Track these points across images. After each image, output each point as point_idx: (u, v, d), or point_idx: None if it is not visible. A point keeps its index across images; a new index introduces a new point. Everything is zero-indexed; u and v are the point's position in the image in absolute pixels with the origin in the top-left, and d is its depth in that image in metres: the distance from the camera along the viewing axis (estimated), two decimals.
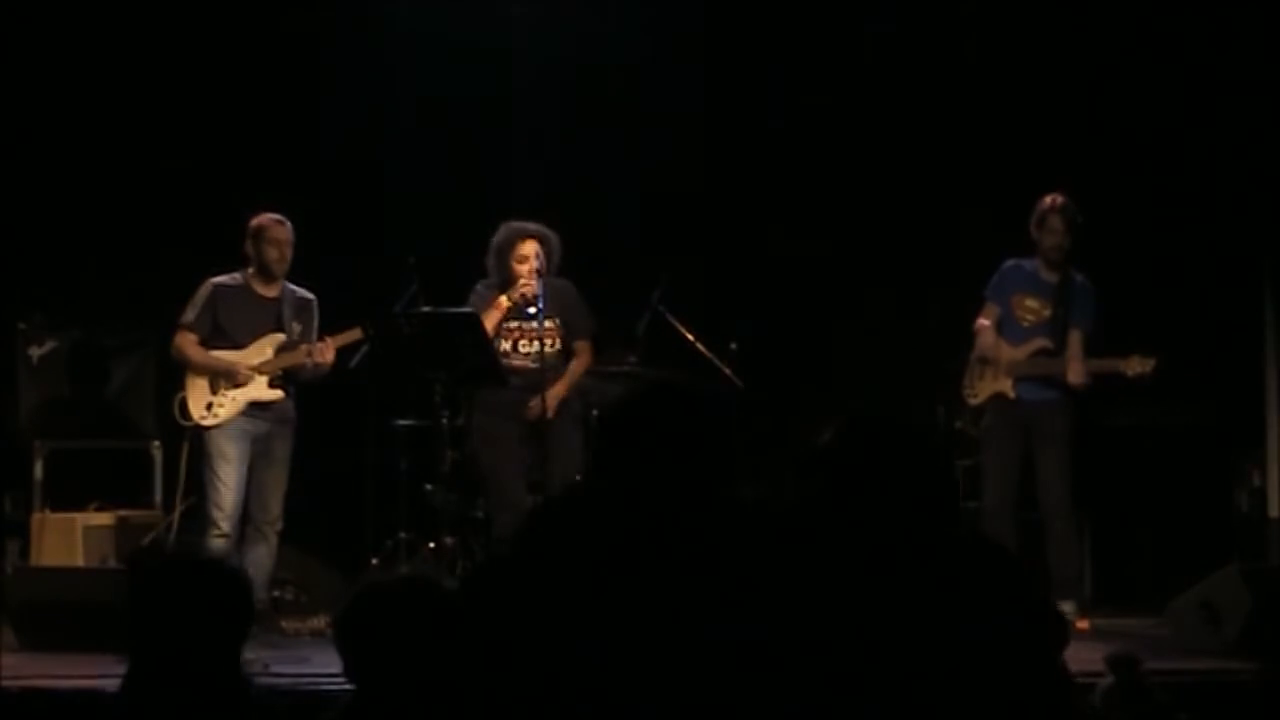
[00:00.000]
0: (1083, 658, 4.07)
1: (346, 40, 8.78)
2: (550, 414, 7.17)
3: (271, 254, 7.19)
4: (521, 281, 7.13)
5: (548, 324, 7.24)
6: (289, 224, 7.22)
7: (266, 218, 7.21)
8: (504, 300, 7.16)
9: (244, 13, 8.62)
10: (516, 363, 7.25)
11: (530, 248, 7.15)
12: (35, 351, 8.16)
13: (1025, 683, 2.71)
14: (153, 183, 8.52)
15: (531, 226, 7.21)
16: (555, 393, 7.21)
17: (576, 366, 7.35)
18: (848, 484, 2.92)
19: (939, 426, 7.96)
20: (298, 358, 7.21)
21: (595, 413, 7.77)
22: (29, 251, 8.37)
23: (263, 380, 7.21)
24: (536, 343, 7.25)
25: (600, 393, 7.93)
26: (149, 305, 7.89)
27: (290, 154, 8.51)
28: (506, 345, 7.25)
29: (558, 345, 7.30)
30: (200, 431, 7.16)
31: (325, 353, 7.19)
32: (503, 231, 7.23)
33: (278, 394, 7.22)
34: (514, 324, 7.21)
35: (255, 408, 7.18)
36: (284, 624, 7.18)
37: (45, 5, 8.52)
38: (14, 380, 8.12)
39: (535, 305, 7.11)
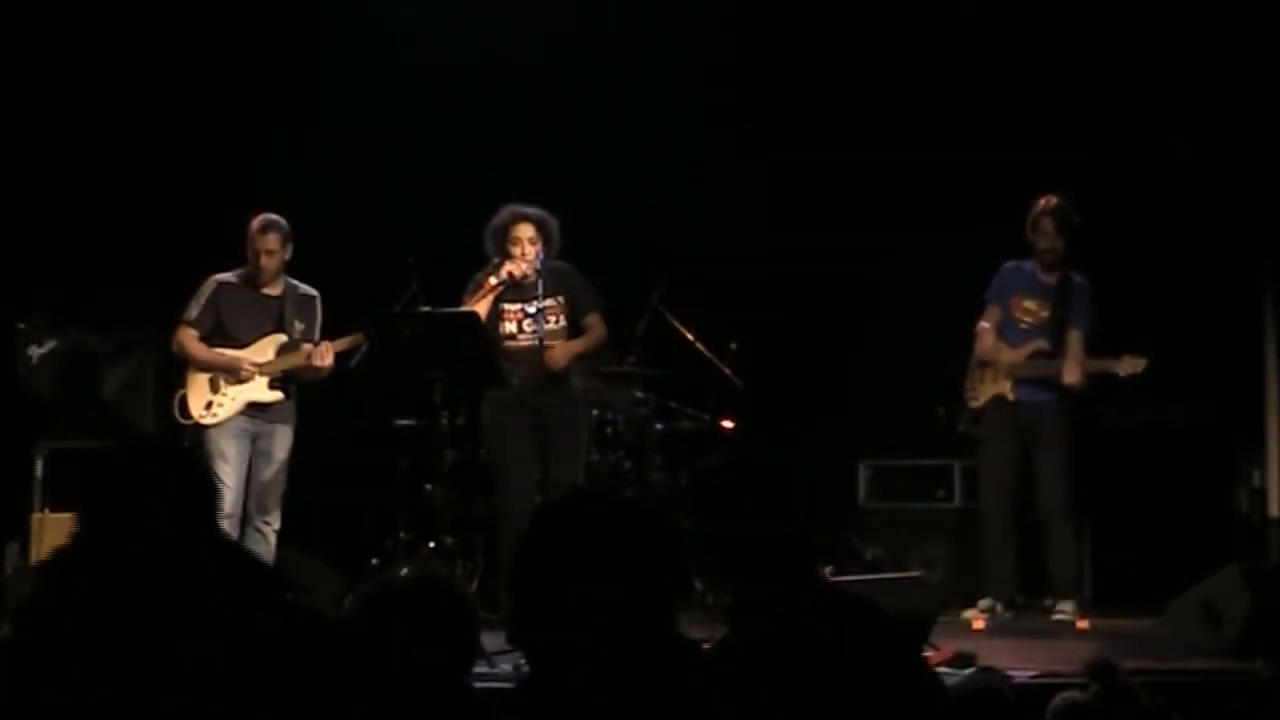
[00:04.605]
0: (1081, 658, 4.09)
1: (346, 38, 8.77)
2: (562, 364, 7.08)
3: (260, 260, 7.19)
4: (509, 261, 7.07)
5: (550, 302, 7.11)
6: (279, 228, 7.17)
7: (256, 223, 7.18)
8: (492, 280, 7.09)
9: (243, 12, 8.62)
10: (524, 343, 7.12)
11: (526, 231, 7.06)
12: (35, 351, 8.16)
13: None
14: (153, 182, 8.52)
15: (530, 210, 7.11)
16: (571, 347, 7.12)
17: (592, 336, 7.21)
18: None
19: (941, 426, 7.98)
20: (299, 359, 7.21)
21: (595, 412, 7.77)
22: (29, 251, 8.36)
23: (263, 381, 7.21)
24: (542, 322, 7.15)
25: (601, 393, 7.93)
26: (149, 305, 7.89)
27: (290, 153, 8.51)
28: (511, 327, 7.13)
29: (562, 323, 7.16)
30: (200, 431, 7.16)
31: (324, 356, 7.18)
32: (501, 214, 7.13)
33: (277, 395, 7.23)
34: (516, 306, 7.12)
35: (254, 408, 7.19)
36: None
37: (46, 7, 8.52)
38: (14, 380, 8.12)
39: (534, 284, 6.98)
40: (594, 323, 7.22)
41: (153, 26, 8.53)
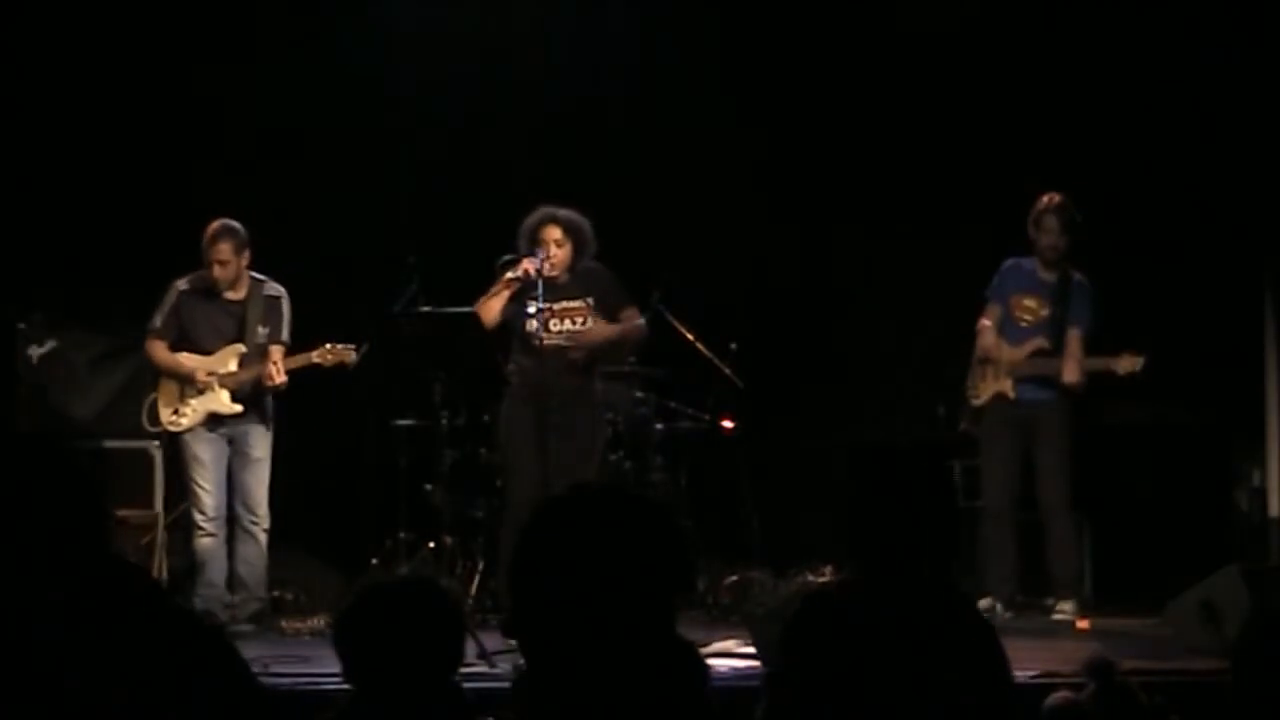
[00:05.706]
0: (1081, 658, 4.08)
1: (346, 38, 8.76)
2: (582, 352, 7.08)
3: (214, 270, 7.15)
4: (526, 259, 7.02)
5: (578, 303, 7.10)
6: (231, 236, 7.12)
7: (209, 231, 7.13)
8: (508, 275, 7.06)
9: (241, 12, 8.61)
10: (547, 342, 7.07)
11: (552, 233, 7.03)
12: (35, 351, 8.16)
13: None
14: (154, 181, 8.51)
15: (561, 213, 7.07)
16: (606, 330, 7.12)
17: (629, 324, 7.21)
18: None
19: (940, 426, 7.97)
20: (261, 369, 7.13)
21: (609, 415, 7.75)
22: (29, 251, 8.36)
23: (223, 393, 7.16)
24: (566, 321, 7.11)
25: (603, 393, 7.92)
26: (148, 306, 7.88)
27: (291, 153, 8.51)
28: (535, 324, 7.07)
29: (589, 325, 7.13)
30: (174, 436, 7.17)
31: (273, 378, 7.11)
32: (535, 214, 7.09)
33: (237, 408, 7.16)
34: (546, 305, 7.02)
35: (216, 418, 7.15)
36: (284, 624, 7.18)
37: (45, 9, 8.52)
38: (14, 380, 8.11)
39: (535, 288, 6.94)
40: (631, 315, 7.23)
41: (154, 28, 8.53)
